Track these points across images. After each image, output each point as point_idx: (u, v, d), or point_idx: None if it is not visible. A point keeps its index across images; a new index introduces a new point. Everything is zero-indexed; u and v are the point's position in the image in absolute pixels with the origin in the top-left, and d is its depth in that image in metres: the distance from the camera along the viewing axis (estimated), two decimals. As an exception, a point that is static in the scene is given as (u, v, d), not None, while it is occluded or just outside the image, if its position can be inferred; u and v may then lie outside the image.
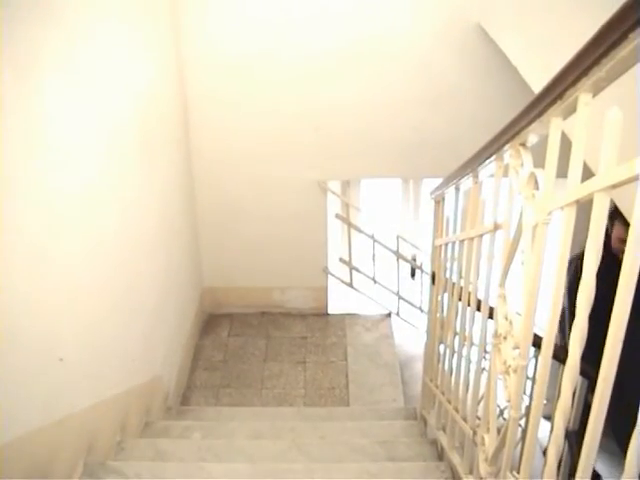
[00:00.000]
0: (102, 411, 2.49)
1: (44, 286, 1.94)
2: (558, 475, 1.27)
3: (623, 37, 0.89)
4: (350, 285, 5.07)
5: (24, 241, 1.80)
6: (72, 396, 2.20)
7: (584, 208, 1.12)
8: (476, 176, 2.08)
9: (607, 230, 3.08)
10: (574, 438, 2.38)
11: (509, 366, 1.48)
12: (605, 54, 0.96)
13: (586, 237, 1.05)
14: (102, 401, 2.47)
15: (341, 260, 4.97)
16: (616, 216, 2.94)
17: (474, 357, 2.11)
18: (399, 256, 4.88)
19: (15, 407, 1.77)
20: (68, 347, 2.14)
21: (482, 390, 2.01)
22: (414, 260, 5.26)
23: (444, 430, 2.60)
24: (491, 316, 1.78)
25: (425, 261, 5.01)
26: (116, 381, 2.68)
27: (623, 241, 2.92)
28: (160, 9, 3.46)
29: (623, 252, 1.04)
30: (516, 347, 1.44)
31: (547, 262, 1.29)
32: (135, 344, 2.93)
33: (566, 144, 1.18)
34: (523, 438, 2.12)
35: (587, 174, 1.11)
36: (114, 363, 2.65)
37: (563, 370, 1.17)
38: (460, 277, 2.35)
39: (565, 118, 1.22)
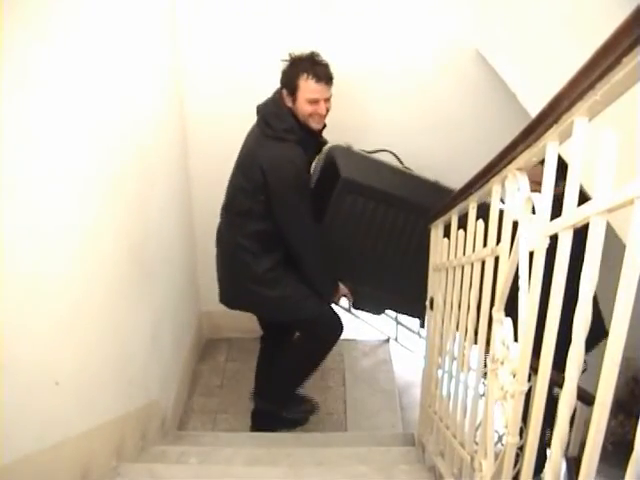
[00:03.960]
0: (98, 435, 2.47)
1: (39, 310, 1.93)
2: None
3: (617, 61, 0.90)
4: (348, 310, 5.05)
5: (18, 264, 1.79)
6: (67, 420, 2.19)
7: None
8: (473, 201, 2.09)
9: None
10: (573, 464, 2.37)
11: (506, 391, 1.48)
12: (600, 78, 0.97)
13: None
14: (98, 425, 2.45)
15: (339, 285, 4.96)
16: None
17: (472, 382, 2.10)
18: (398, 281, 4.87)
19: (10, 431, 1.76)
20: (64, 371, 2.12)
21: (480, 416, 2.00)
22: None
23: (442, 456, 2.58)
24: (488, 341, 1.77)
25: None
26: (112, 405, 2.66)
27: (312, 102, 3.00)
28: (160, 27, 3.49)
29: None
30: (513, 372, 1.44)
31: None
32: (132, 368, 2.92)
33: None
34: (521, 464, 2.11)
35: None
36: (110, 387, 2.63)
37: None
38: (458, 302, 2.34)
39: (562, 142, 1.22)
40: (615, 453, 1.89)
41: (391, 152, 3.46)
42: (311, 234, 3.16)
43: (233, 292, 3.44)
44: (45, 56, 1.96)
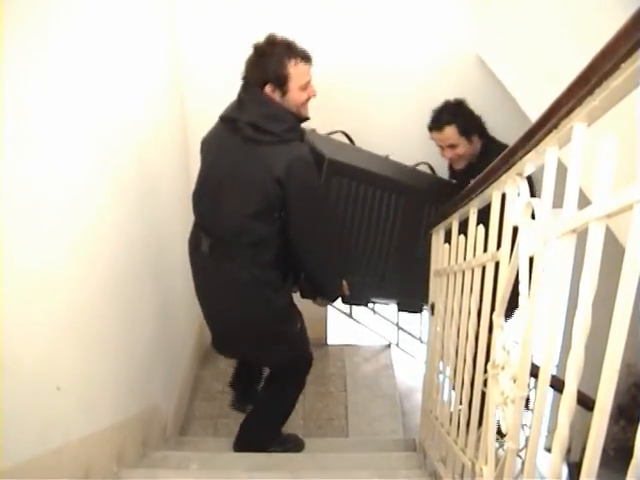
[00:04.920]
0: (99, 440, 2.46)
1: (40, 313, 1.94)
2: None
3: (615, 67, 0.91)
4: (349, 315, 5.06)
5: (19, 268, 1.80)
6: (68, 425, 2.18)
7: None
8: (474, 206, 2.09)
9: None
10: (575, 469, 2.36)
11: (507, 397, 1.48)
12: (598, 84, 0.97)
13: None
14: (99, 430, 2.45)
15: (341, 290, 4.95)
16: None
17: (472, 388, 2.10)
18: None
19: (12, 435, 1.76)
20: (65, 375, 2.13)
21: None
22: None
23: (443, 462, 2.57)
24: (489, 346, 1.78)
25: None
26: (113, 410, 2.66)
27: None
28: (160, 27, 3.51)
29: None
30: (514, 377, 1.44)
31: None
32: (133, 373, 2.92)
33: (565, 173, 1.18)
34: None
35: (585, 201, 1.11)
36: (111, 392, 2.63)
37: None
38: (459, 307, 2.34)
39: (561, 147, 1.23)
40: (617, 459, 1.88)
41: (343, 132, 3.42)
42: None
43: (246, 337, 2.91)
44: (45, 55, 1.96)
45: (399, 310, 4.10)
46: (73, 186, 2.18)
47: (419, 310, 3.79)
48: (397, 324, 4.98)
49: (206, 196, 2.74)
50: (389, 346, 5.04)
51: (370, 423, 4.08)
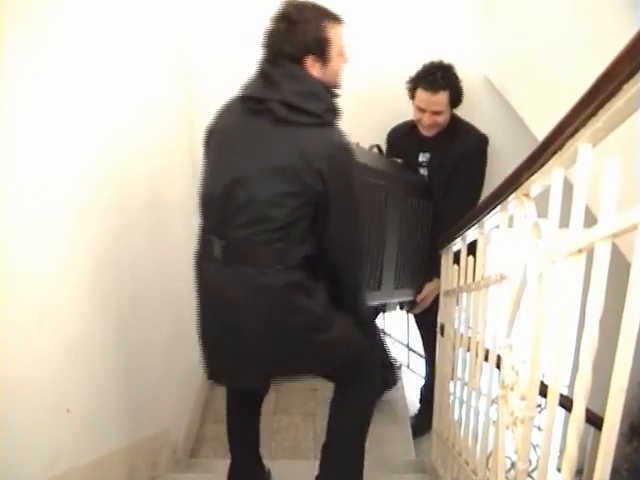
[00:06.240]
0: (108, 463, 2.46)
1: (50, 336, 1.94)
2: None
3: (618, 88, 0.92)
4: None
5: (29, 290, 1.81)
6: (77, 448, 2.18)
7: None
8: (482, 227, 2.10)
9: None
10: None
11: (516, 417, 1.48)
12: (602, 105, 0.98)
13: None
14: (109, 453, 2.45)
15: (351, 311, 4.94)
16: None
17: (482, 408, 2.10)
18: (409, 307, 4.86)
19: (20, 458, 1.76)
20: (74, 398, 2.13)
21: (491, 442, 2.00)
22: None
23: (455, 484, 2.57)
24: (498, 366, 1.78)
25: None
26: (123, 432, 2.65)
27: None
28: (172, 51, 3.53)
29: None
30: (523, 398, 1.44)
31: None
32: (143, 395, 2.91)
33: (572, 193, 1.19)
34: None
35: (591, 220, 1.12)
36: (121, 414, 2.63)
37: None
38: (468, 328, 2.35)
39: (567, 168, 1.23)
40: (630, 479, 1.88)
41: None
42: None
43: (277, 357, 2.26)
44: (49, 69, 1.99)
45: (379, 311, 3.97)
46: (84, 208, 2.19)
47: (394, 309, 3.71)
48: (407, 345, 4.97)
49: (223, 192, 2.18)
50: (400, 367, 5.02)
51: (381, 444, 4.05)
